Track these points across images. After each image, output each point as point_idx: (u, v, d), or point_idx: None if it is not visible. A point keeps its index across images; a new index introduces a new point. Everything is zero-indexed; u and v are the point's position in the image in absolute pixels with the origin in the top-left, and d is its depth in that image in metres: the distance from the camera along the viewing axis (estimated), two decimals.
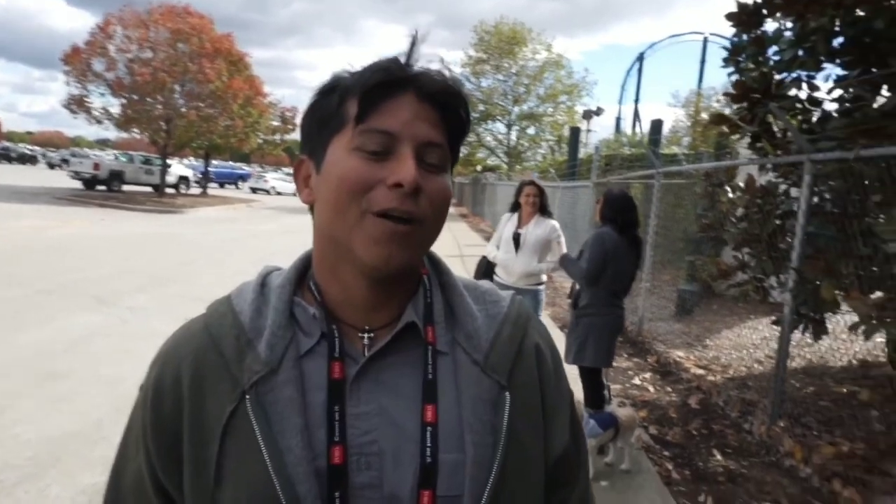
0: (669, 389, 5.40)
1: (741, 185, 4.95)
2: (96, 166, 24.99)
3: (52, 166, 48.57)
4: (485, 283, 0.83)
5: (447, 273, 0.80)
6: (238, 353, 0.69)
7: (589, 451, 3.05)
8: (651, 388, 5.41)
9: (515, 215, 4.80)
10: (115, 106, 22.34)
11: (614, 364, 4.81)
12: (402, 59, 0.70)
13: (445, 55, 0.73)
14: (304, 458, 0.64)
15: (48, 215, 15.51)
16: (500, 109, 36.44)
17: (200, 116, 22.39)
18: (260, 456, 0.64)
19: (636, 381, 5.61)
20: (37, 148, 74.28)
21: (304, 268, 0.78)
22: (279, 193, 37.48)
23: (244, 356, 0.68)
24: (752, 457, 4.01)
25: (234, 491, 0.65)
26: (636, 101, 34.01)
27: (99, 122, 22.48)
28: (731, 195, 5.15)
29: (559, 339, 6.84)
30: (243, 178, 44.94)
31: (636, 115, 31.93)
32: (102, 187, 24.71)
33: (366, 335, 0.73)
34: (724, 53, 5.09)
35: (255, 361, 0.68)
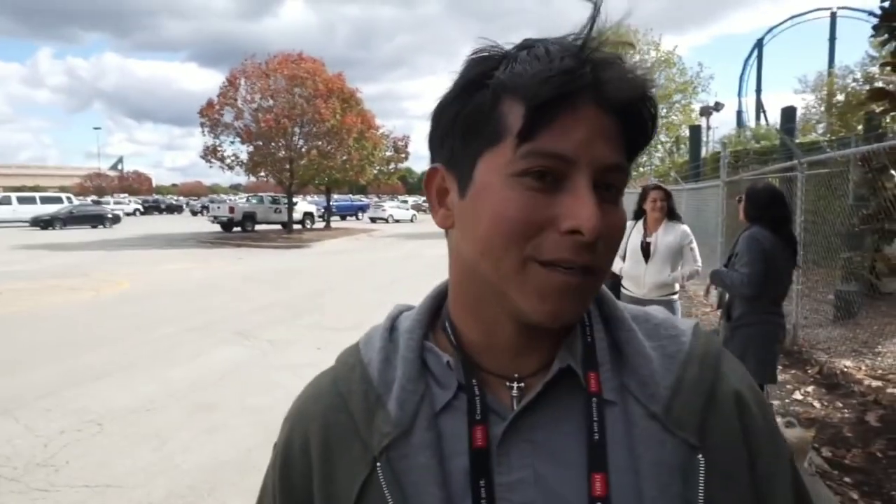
0: (840, 404, 4.78)
1: None
2: (231, 210, 27.32)
3: (194, 213, 53.90)
4: (658, 313, 0.66)
5: (612, 304, 0.64)
6: (367, 413, 0.59)
7: None
8: (816, 404, 4.82)
9: (640, 223, 4.52)
10: (243, 152, 24.37)
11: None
12: (579, 47, 0.52)
13: None
14: None
15: (193, 258, 17.00)
16: None
17: (319, 154, 23.74)
18: None
19: (797, 395, 5.03)
20: (181, 198, 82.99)
21: (436, 306, 0.66)
22: (397, 221, 38.71)
23: (374, 416, 0.59)
24: None
25: None
26: (758, 91, 31.71)
27: (231, 168, 24.56)
28: None
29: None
30: (362, 209, 46.93)
31: (759, 106, 29.80)
32: (238, 228, 26.89)
33: (515, 385, 0.59)
34: (858, 28, 4.55)
35: (385, 422, 0.58)
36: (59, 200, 35.72)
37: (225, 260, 16.66)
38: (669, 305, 4.35)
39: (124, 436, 4.34)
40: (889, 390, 4.76)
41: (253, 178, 27.26)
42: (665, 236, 4.35)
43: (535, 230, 0.52)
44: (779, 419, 3.92)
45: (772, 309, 3.48)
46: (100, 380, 5.62)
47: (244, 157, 24.31)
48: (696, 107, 31.77)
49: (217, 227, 27.95)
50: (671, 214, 4.50)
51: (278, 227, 27.75)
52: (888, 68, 4.37)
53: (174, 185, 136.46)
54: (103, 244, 21.63)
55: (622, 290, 4.55)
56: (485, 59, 0.56)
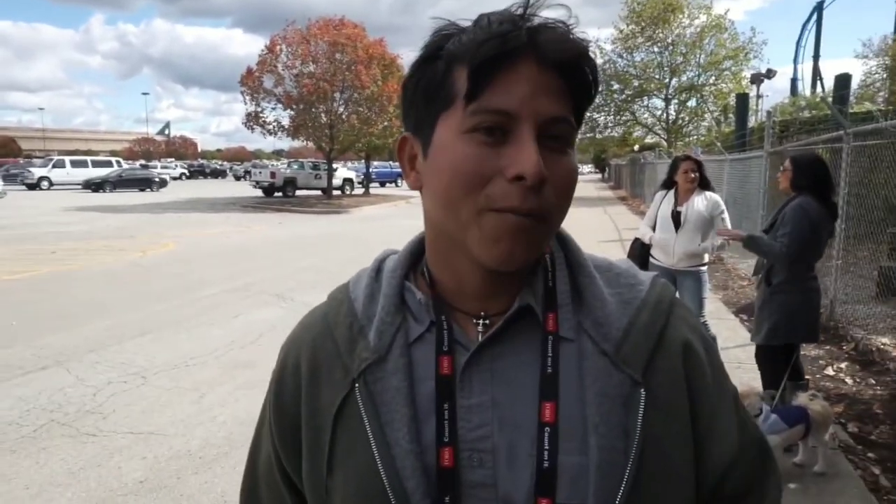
0: (873, 381, 4.70)
1: None
2: (273, 175, 27.74)
3: (237, 178, 54.94)
4: (621, 263, 0.72)
5: (576, 251, 0.70)
6: (350, 341, 0.67)
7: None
8: (848, 380, 4.75)
9: (671, 192, 4.48)
10: (285, 118, 24.58)
11: (801, 352, 4.29)
12: (519, 11, 0.59)
13: (596, 34, 0.60)
14: (411, 452, 0.60)
15: (235, 222, 17.42)
16: (657, 84, 34.27)
17: (360, 120, 23.78)
18: (368, 446, 0.62)
19: (829, 371, 4.95)
20: (225, 163, 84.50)
21: (418, 251, 0.73)
22: None
23: (356, 344, 0.66)
24: None
25: (344, 480, 0.63)
26: (815, 57, 30.21)
27: (273, 133, 24.85)
28: None
29: (735, 326, 6.29)
30: (402, 176, 46.91)
31: (816, 73, 28.45)
32: (279, 193, 27.31)
33: (481, 322, 0.66)
34: None
35: (364, 349, 0.65)
36: (109, 164, 36.95)
37: (265, 224, 17.03)
38: (697, 276, 4.33)
39: (166, 389, 4.58)
40: None
41: (294, 143, 27.60)
42: (697, 206, 4.31)
43: (485, 180, 0.58)
44: (804, 393, 3.90)
45: (810, 275, 3.57)
46: (144, 336, 5.91)
47: (286, 122, 24.55)
48: (748, 74, 30.52)
49: (259, 192, 28.44)
50: (704, 184, 4.45)
51: (318, 192, 28.06)
52: None
53: (219, 151, 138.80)
54: (150, 207, 22.35)
55: (651, 259, 4.53)
56: (441, 35, 0.62)
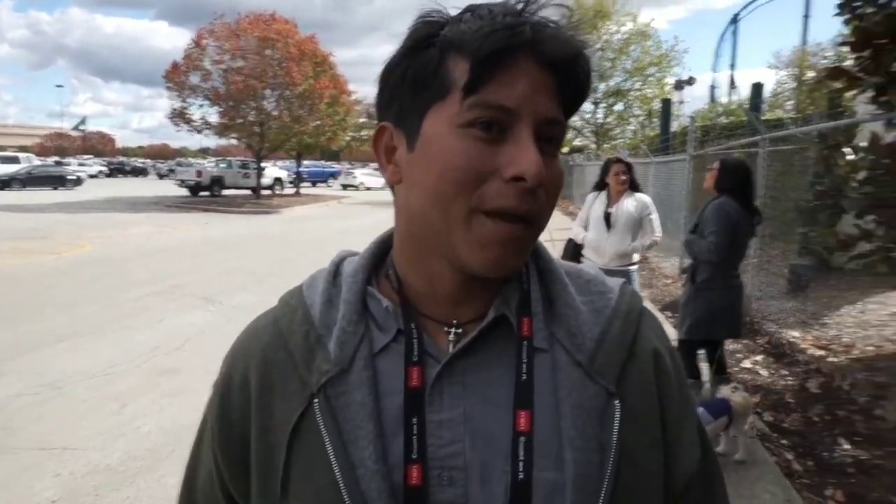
0: (785, 372, 4.99)
1: (863, 145, 4.46)
2: (199, 174, 26.75)
3: (161, 176, 52.56)
4: (590, 270, 0.70)
5: (547, 258, 0.68)
6: (307, 352, 0.61)
7: None
8: (764, 372, 5.03)
9: (602, 194, 4.61)
10: (212, 115, 23.78)
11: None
12: (520, 5, 0.57)
13: None
14: (377, 473, 0.56)
15: (159, 222, 16.68)
16: None
17: (291, 118, 23.28)
18: (329, 467, 0.57)
19: (746, 363, 5.23)
20: (147, 161, 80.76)
21: (380, 252, 0.69)
22: (368, 188, 38.33)
23: (314, 355, 0.61)
24: (886, 446, 3.61)
25: None
26: (732, 66, 31.89)
27: (199, 131, 23.98)
28: (850, 157, 4.66)
29: (661, 322, 6.52)
30: (334, 175, 46.30)
31: (732, 82, 30.00)
32: (205, 193, 26.39)
33: (452, 331, 0.63)
34: (832, 5, 4.60)
35: (324, 360, 0.60)
36: (16, 160, 34.53)
37: (191, 224, 16.39)
38: (627, 275, 4.46)
39: (83, 399, 4.32)
40: (830, 359, 4.98)
41: (223, 142, 26.75)
42: (627, 207, 4.45)
43: (481, 178, 0.55)
44: (727, 386, 4.10)
45: (733, 273, 3.75)
46: (59, 344, 5.56)
47: (213, 119, 23.74)
48: (671, 81, 31.88)
49: (184, 192, 27.34)
50: (633, 186, 4.60)
51: (247, 192, 27.28)
52: (847, 47, 4.44)
53: (140, 148, 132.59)
54: (64, 206, 21.05)
55: (583, 259, 4.64)
56: (430, 22, 0.59)
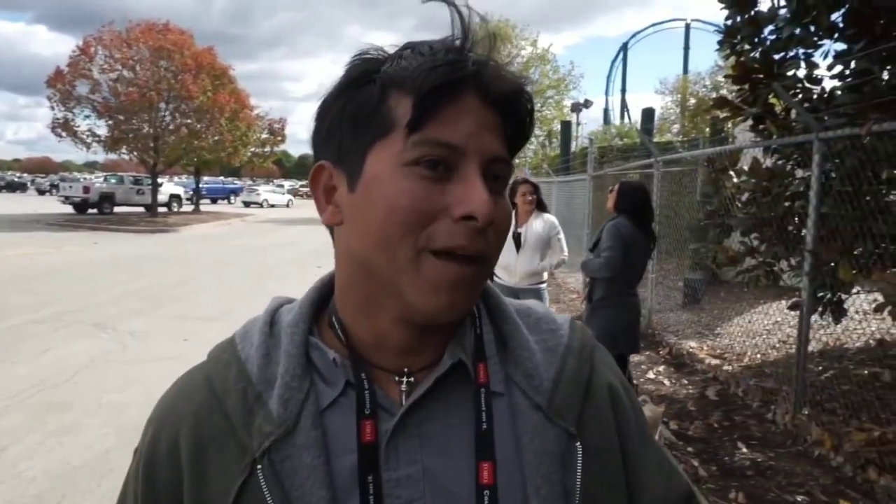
0: (686, 382, 5.30)
1: (746, 169, 4.85)
2: (86, 189, 24.91)
3: (41, 192, 48.47)
4: (537, 307, 0.69)
5: (496, 297, 0.66)
6: (246, 413, 0.56)
7: None
8: (666, 382, 5.31)
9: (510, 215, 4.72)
10: (101, 127, 22.27)
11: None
12: (457, 43, 0.55)
13: None
14: None
15: (42, 242, 15.34)
16: None
17: (189, 132, 22.27)
18: None
19: (650, 374, 5.50)
20: (25, 175, 74.21)
21: (320, 299, 0.64)
22: (272, 206, 37.33)
23: (253, 416, 0.56)
24: (778, 447, 3.91)
25: None
26: (623, 91, 34.01)
27: (86, 144, 22.32)
28: (735, 180, 5.05)
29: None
30: (235, 192, 44.67)
31: (624, 106, 31.94)
32: (94, 210, 24.61)
33: (404, 381, 0.59)
34: (708, 39, 5.03)
35: (266, 421, 0.55)
36: None
37: (79, 245, 15.19)
38: (538, 293, 4.59)
39: None
40: (725, 367, 5.34)
41: (113, 156, 25.01)
42: (535, 227, 4.57)
43: (428, 219, 0.53)
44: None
45: (628, 291, 3.88)
46: None
47: (103, 132, 22.22)
48: (568, 103, 33.45)
49: (69, 209, 25.34)
50: (540, 206, 4.75)
51: (141, 209, 25.74)
52: (727, 79, 4.84)
53: (17, 161, 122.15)
54: None
55: (495, 278, 4.73)
56: (369, 59, 0.57)
